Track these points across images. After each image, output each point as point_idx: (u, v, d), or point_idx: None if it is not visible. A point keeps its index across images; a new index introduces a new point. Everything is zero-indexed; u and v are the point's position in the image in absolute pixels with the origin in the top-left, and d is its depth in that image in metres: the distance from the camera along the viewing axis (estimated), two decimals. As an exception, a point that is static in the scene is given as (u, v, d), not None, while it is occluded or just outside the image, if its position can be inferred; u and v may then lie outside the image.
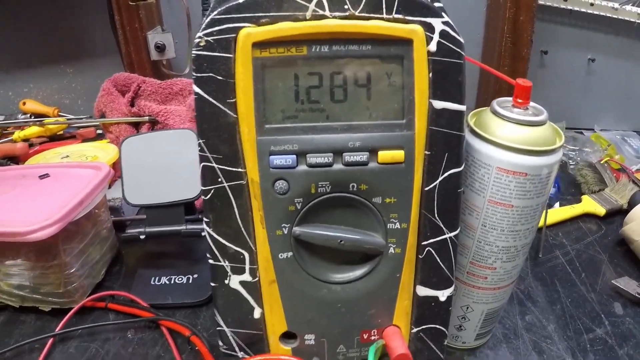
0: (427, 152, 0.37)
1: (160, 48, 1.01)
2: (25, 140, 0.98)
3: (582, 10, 0.99)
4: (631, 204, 0.79)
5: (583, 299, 0.64)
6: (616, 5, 0.97)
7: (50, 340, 0.57)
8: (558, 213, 0.81)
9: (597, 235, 0.78)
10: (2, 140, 0.98)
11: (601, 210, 0.81)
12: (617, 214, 0.80)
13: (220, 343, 0.44)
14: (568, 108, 1.11)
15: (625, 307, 0.63)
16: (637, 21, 0.98)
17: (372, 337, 0.43)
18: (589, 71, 1.09)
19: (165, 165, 0.65)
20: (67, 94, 1.17)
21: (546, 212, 0.76)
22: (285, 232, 0.38)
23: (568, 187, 0.91)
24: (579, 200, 0.85)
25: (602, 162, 0.94)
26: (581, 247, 0.75)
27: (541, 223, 0.74)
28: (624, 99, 1.11)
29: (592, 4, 0.98)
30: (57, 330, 0.58)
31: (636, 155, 1.01)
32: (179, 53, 1.06)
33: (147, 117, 0.87)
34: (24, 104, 1.11)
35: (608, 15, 0.99)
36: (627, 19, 0.98)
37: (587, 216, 0.82)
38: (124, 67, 1.04)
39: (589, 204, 0.83)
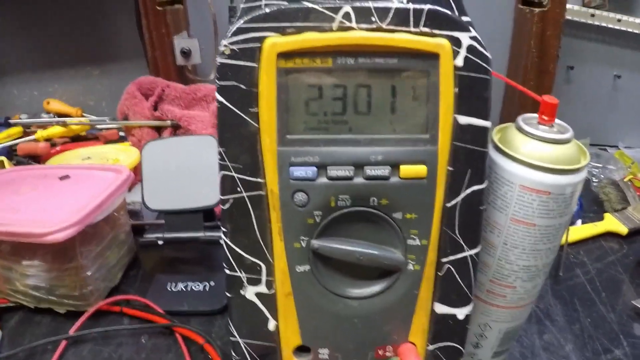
0: (450, 168, 0.36)
1: (186, 53, 1.02)
2: (47, 139, 0.99)
3: (609, 26, 0.99)
4: None
5: (602, 319, 0.64)
6: None
7: (64, 343, 0.58)
8: (580, 231, 0.80)
9: (618, 255, 0.77)
10: (25, 139, 0.99)
11: (624, 230, 0.80)
12: (639, 234, 0.80)
13: (233, 354, 0.44)
14: (593, 124, 1.11)
15: None
16: None
17: (387, 354, 0.42)
18: (614, 87, 1.08)
19: (186, 171, 0.65)
20: (92, 95, 1.18)
21: (568, 230, 0.75)
22: (304, 245, 0.38)
23: (590, 204, 0.90)
24: (602, 218, 0.84)
25: (625, 180, 0.93)
26: (602, 266, 0.74)
27: (562, 241, 0.74)
28: None
29: (619, 20, 0.98)
30: (71, 332, 0.58)
31: None
32: (205, 59, 1.07)
33: (170, 122, 0.89)
34: (48, 103, 1.12)
35: (635, 31, 0.98)
36: None
37: (609, 235, 0.82)
38: (149, 71, 1.05)
39: (611, 223, 0.82)
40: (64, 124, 1.01)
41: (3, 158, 0.84)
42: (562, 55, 1.00)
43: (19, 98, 1.17)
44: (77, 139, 1.04)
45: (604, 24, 0.99)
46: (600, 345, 0.60)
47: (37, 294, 0.60)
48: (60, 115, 1.11)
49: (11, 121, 1.06)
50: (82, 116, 1.12)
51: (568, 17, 0.97)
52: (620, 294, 0.68)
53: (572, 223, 0.81)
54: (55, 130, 1.01)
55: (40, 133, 0.99)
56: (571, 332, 0.62)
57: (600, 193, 0.91)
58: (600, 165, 1.00)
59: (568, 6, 0.96)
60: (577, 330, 0.62)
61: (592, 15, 0.98)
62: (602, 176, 0.97)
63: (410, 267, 0.39)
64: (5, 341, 0.58)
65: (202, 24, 1.07)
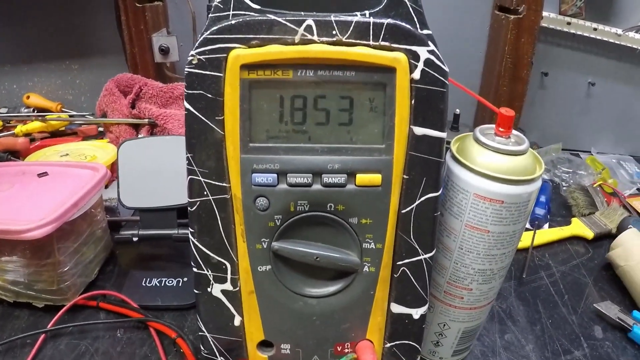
0: (405, 176, 0.38)
1: (165, 51, 1.03)
2: (27, 134, 0.99)
3: (585, 34, 1.00)
4: (620, 229, 0.79)
5: (564, 320, 0.65)
6: (619, 31, 0.99)
7: (42, 337, 0.58)
8: (546, 234, 0.82)
9: (583, 259, 0.78)
10: (3, 134, 0.99)
11: (589, 234, 0.81)
12: (606, 238, 0.80)
13: (202, 347, 0.45)
14: (566, 129, 1.13)
15: (605, 331, 0.63)
16: (639, 47, 0.99)
17: (346, 350, 0.44)
18: (588, 94, 1.10)
19: (161, 170, 0.66)
20: (71, 89, 1.18)
21: (534, 233, 0.77)
22: (265, 246, 0.39)
23: (559, 208, 0.91)
24: (569, 223, 0.85)
25: (594, 185, 0.94)
26: (567, 269, 0.75)
27: (528, 244, 0.76)
28: (622, 124, 1.12)
29: (595, 29, 1.00)
30: (49, 326, 0.59)
31: (630, 180, 1.02)
32: (183, 57, 1.07)
33: (147, 120, 0.89)
34: (28, 97, 1.12)
35: (611, 40, 1.00)
36: (629, 45, 1.00)
37: (576, 239, 0.82)
38: (128, 68, 1.06)
39: (578, 227, 0.83)
40: (44, 119, 1.02)
41: None
42: (537, 62, 1.02)
43: None
44: (56, 134, 1.04)
45: (579, 32, 1.00)
46: (560, 346, 0.61)
47: (15, 288, 0.61)
48: (39, 109, 1.11)
49: None
50: (62, 111, 1.12)
51: (544, 24, 0.99)
52: (582, 296, 0.69)
53: (539, 227, 0.82)
54: (35, 125, 1.01)
55: (20, 128, 0.99)
56: (532, 332, 0.62)
57: (569, 198, 0.92)
58: (570, 170, 1.01)
59: (544, 14, 0.98)
60: (538, 331, 0.63)
61: (568, 24, 1.00)
62: (572, 181, 0.98)
63: (366, 269, 0.40)
64: None
65: (181, 21, 1.08)
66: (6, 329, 0.59)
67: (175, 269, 0.68)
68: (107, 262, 0.70)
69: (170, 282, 0.66)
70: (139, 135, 0.89)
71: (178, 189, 0.63)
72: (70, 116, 1.09)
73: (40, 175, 0.67)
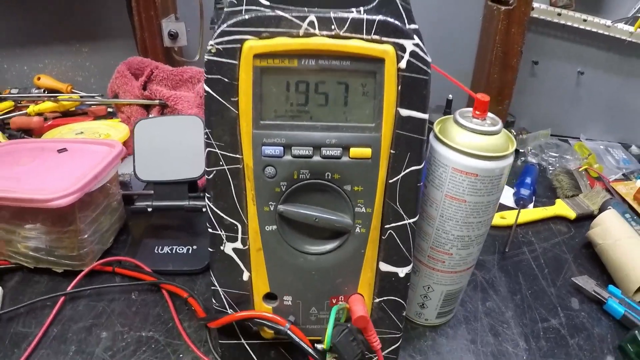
0: (392, 151, 0.42)
1: (173, 36, 1.05)
2: (39, 114, 1.01)
3: (575, 25, 1.02)
4: (601, 210, 0.83)
5: (543, 292, 0.68)
6: (608, 22, 1.00)
7: (62, 299, 0.62)
8: (530, 213, 0.85)
9: (565, 237, 0.81)
10: (17, 113, 1.01)
11: (572, 214, 0.84)
12: (588, 219, 0.82)
13: (214, 301, 0.50)
14: (556, 116, 1.15)
15: (581, 303, 0.67)
16: (628, 39, 1.01)
17: (340, 302, 0.48)
18: (578, 83, 1.12)
19: (173, 147, 0.69)
20: (81, 71, 1.20)
21: (519, 211, 0.81)
22: (272, 209, 0.44)
23: (545, 190, 0.94)
24: (553, 204, 0.88)
25: (580, 169, 0.97)
26: (548, 246, 0.78)
27: (512, 221, 0.80)
28: (610, 112, 1.14)
29: (585, 20, 1.01)
30: (68, 289, 0.62)
31: (617, 165, 1.05)
32: (191, 41, 1.09)
33: (158, 101, 0.91)
34: (39, 79, 1.14)
35: (600, 31, 1.02)
36: (618, 36, 1.01)
37: (559, 219, 0.86)
38: (137, 51, 1.07)
39: (561, 207, 0.86)
40: (56, 100, 1.04)
41: None
42: (528, 50, 1.03)
43: (8, 72, 1.18)
44: (67, 114, 1.07)
45: (569, 23, 1.02)
46: (538, 314, 0.64)
47: (37, 255, 0.64)
48: (50, 90, 1.12)
49: (1, 95, 1.08)
50: (72, 92, 1.13)
51: (535, 15, 1.01)
52: (562, 271, 0.73)
53: (524, 206, 0.86)
54: (47, 105, 1.03)
55: (32, 108, 1.01)
56: (512, 301, 0.66)
57: (554, 180, 0.96)
58: (557, 155, 1.05)
59: (535, 5, 0.99)
60: (518, 300, 0.66)
61: (559, 15, 1.01)
62: (558, 165, 1.01)
63: (358, 230, 0.45)
64: (7, 299, 0.62)
65: (189, 7, 1.09)
66: (27, 293, 0.63)
67: (185, 238, 0.72)
68: (121, 232, 0.74)
69: (180, 249, 0.70)
70: (150, 116, 0.91)
71: (189, 164, 0.67)
72: (81, 97, 1.11)
73: (60, 150, 0.70)
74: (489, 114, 0.49)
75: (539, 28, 1.06)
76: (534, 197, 0.90)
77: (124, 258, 0.67)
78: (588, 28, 1.02)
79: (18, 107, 1.07)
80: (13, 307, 0.60)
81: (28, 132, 0.96)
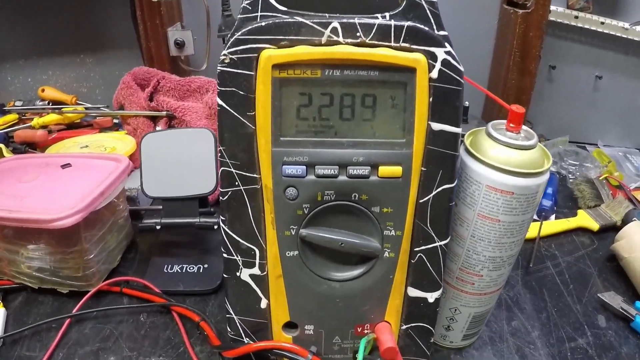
0: (423, 169, 0.40)
1: (180, 44, 1.03)
2: (43, 127, 0.99)
3: (593, 28, 1.00)
4: (625, 221, 0.80)
5: (569, 309, 0.66)
6: (627, 25, 0.98)
7: (67, 321, 0.59)
8: (553, 225, 0.82)
9: (589, 250, 0.78)
10: (20, 126, 1.00)
11: (595, 226, 0.82)
12: (611, 230, 0.80)
13: (229, 329, 0.48)
14: (573, 122, 1.13)
15: (608, 321, 0.64)
16: None
17: (365, 331, 0.46)
18: (595, 88, 1.09)
19: (183, 161, 0.67)
20: (85, 82, 1.18)
21: (541, 224, 0.78)
22: (293, 233, 0.42)
23: (565, 200, 0.91)
24: (575, 214, 0.85)
25: (600, 178, 0.94)
26: (572, 259, 0.76)
27: (535, 234, 0.76)
28: (629, 117, 1.11)
29: (602, 23, 0.99)
30: (74, 311, 0.60)
31: (636, 173, 1.02)
32: (198, 50, 1.07)
33: (165, 112, 0.90)
34: (43, 91, 1.12)
35: (618, 34, 0.99)
36: (636, 39, 0.99)
37: (582, 230, 0.83)
38: (143, 61, 1.06)
39: (583, 219, 0.83)
40: (60, 112, 1.02)
41: (1, 145, 0.85)
42: (545, 55, 1.01)
43: (12, 84, 1.17)
44: (72, 126, 1.05)
45: (587, 26, 1.00)
46: (565, 333, 0.62)
47: (41, 275, 0.62)
48: (55, 102, 1.11)
49: (6, 108, 1.07)
50: (77, 104, 1.12)
51: (552, 18, 0.99)
52: (587, 286, 0.70)
53: (546, 218, 0.83)
54: (52, 118, 1.01)
55: (37, 120, 0.99)
56: (538, 320, 0.63)
57: (575, 190, 0.93)
58: (577, 163, 1.01)
59: (552, 8, 0.97)
60: (544, 318, 0.64)
61: (576, 17, 0.99)
62: (578, 174, 0.98)
63: (386, 254, 0.43)
64: (10, 320, 0.60)
65: (195, 15, 1.08)
66: (31, 314, 0.61)
67: (195, 256, 0.69)
68: (128, 250, 0.72)
69: (191, 268, 0.67)
70: (157, 128, 0.90)
71: (199, 179, 0.65)
72: (86, 108, 1.09)
73: (64, 166, 0.68)
74: (523, 127, 0.46)
75: (555, 31, 1.04)
76: (555, 208, 0.88)
77: (131, 278, 0.65)
78: (606, 31, 1.00)
79: (22, 120, 1.05)
80: (17, 329, 0.58)
81: (32, 145, 0.95)
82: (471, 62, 1.05)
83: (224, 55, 0.37)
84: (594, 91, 1.10)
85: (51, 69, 1.16)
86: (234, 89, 0.38)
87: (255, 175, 0.40)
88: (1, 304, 0.61)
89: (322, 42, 0.37)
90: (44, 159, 0.73)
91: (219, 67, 0.38)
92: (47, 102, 1.11)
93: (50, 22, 1.10)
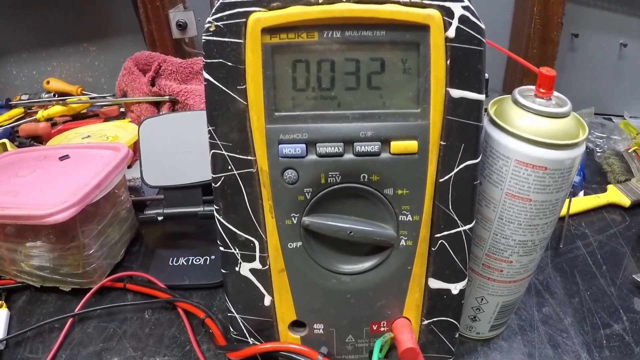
0: (442, 143, 0.36)
1: (182, 26, 1.03)
2: (48, 119, 1.00)
3: None
4: None
5: (602, 292, 0.63)
6: None
7: (70, 320, 0.58)
8: (582, 202, 0.80)
9: (620, 227, 0.76)
10: (26, 120, 1.00)
11: (626, 201, 0.79)
12: None
13: (231, 329, 0.45)
14: (598, 93, 1.11)
15: None
16: None
17: (382, 329, 0.43)
18: (620, 56, 1.07)
19: (184, 147, 0.65)
20: (91, 72, 1.20)
21: (570, 201, 0.75)
22: (295, 221, 0.38)
23: (594, 175, 0.89)
24: (604, 190, 0.83)
25: (629, 151, 0.92)
26: (604, 238, 0.74)
27: (564, 212, 0.74)
28: None
29: None
30: (76, 310, 0.59)
31: None
32: (201, 31, 1.05)
33: (168, 97, 0.89)
34: (48, 82, 1.13)
35: None
36: None
37: (612, 206, 0.81)
38: (146, 46, 1.06)
39: (614, 194, 0.81)
40: (64, 103, 1.02)
41: (5, 140, 0.84)
42: (567, 23, 0.98)
43: (18, 78, 1.18)
44: (78, 117, 1.05)
45: None
46: (600, 319, 0.59)
47: (42, 273, 0.61)
48: (60, 93, 1.12)
49: (12, 102, 1.08)
50: (83, 94, 1.12)
51: None
52: (621, 267, 0.68)
53: (575, 194, 0.81)
54: (56, 110, 1.01)
55: (42, 113, 1.00)
56: (571, 305, 0.61)
57: (604, 164, 0.90)
58: (604, 135, 0.99)
59: None
60: (577, 303, 0.62)
61: None
62: (606, 146, 0.96)
63: (403, 242, 0.39)
64: (14, 320, 0.59)
65: None
66: (34, 314, 0.60)
67: (201, 247, 0.68)
68: (132, 243, 0.71)
69: (197, 260, 0.66)
70: (160, 113, 0.89)
71: (202, 165, 0.62)
72: (91, 98, 1.10)
73: (62, 158, 0.67)
74: (554, 92, 0.41)
75: (577, -3, 1.01)
76: (584, 183, 0.85)
77: (135, 273, 0.64)
78: (630, -6, 0.97)
79: (28, 114, 1.07)
80: (20, 330, 0.57)
81: (37, 138, 0.95)
82: (489, 32, 1.02)
83: (209, 22, 0.34)
84: (619, 60, 1.08)
85: (55, 60, 1.18)
86: (221, 60, 0.34)
87: (249, 158, 0.37)
88: (4, 304, 0.60)
89: (320, 1, 0.33)
90: (41, 151, 0.73)
91: (203, 37, 0.34)
92: (52, 94, 1.12)
93: (52, 12, 1.11)
